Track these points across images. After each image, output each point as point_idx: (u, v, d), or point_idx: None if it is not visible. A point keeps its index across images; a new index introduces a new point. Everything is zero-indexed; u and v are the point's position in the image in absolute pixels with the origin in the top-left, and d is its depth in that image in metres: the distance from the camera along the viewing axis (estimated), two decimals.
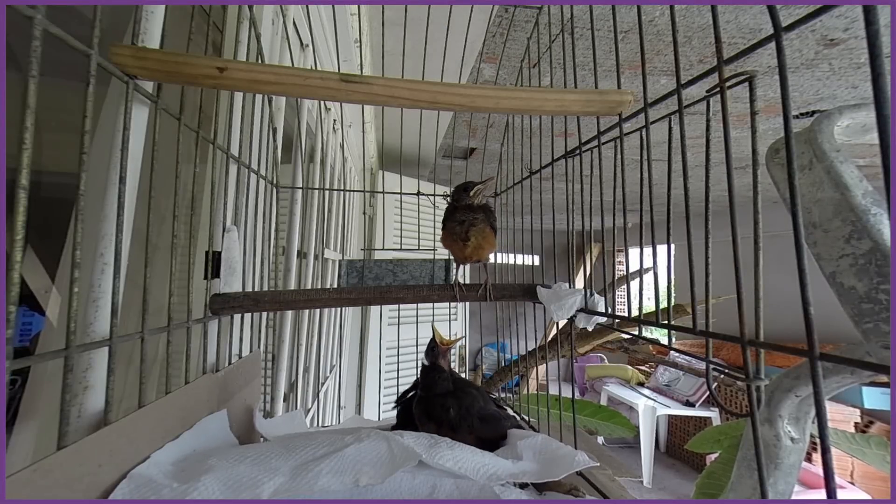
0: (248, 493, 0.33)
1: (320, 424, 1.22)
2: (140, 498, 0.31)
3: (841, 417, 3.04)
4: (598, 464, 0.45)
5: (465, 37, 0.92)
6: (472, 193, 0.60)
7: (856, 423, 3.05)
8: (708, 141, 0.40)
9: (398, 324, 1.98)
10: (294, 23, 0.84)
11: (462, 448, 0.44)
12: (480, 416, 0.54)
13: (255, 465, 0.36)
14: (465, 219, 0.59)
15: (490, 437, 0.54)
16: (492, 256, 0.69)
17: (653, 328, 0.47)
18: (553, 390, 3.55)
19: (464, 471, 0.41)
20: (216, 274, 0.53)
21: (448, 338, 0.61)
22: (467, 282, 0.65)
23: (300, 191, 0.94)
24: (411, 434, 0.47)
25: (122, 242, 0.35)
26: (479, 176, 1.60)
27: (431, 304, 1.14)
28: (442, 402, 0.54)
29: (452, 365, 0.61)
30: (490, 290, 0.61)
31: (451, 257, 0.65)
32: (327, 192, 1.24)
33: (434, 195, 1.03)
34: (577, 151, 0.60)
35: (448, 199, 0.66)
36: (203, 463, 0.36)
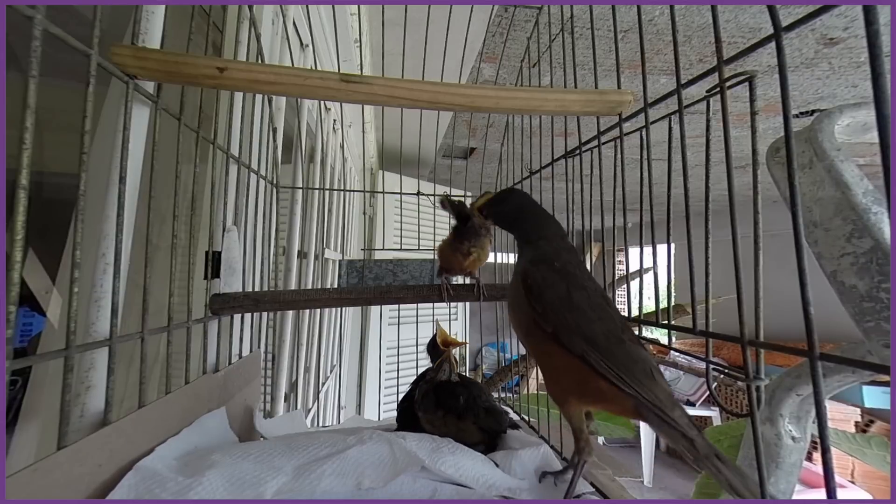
0: (252, 491, 0.33)
1: (321, 424, 1.22)
2: (146, 489, 0.31)
3: (841, 416, 3.04)
4: (593, 489, 0.46)
5: (465, 37, 0.92)
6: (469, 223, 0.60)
7: (856, 422, 3.05)
8: (708, 140, 0.40)
9: (398, 324, 1.98)
10: (294, 23, 0.84)
11: (464, 453, 0.44)
12: (486, 407, 0.55)
13: (258, 463, 0.36)
14: (468, 238, 0.60)
15: (493, 429, 0.54)
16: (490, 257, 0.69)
17: (653, 328, 0.47)
18: None
19: (465, 480, 0.41)
20: (216, 274, 0.53)
21: (451, 337, 0.62)
22: (467, 281, 0.65)
23: (300, 191, 0.94)
24: (413, 436, 0.47)
25: (123, 242, 0.35)
26: (480, 176, 1.59)
27: (431, 304, 1.14)
28: (452, 389, 0.54)
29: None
30: (483, 290, 0.61)
31: (437, 259, 0.65)
32: (327, 192, 1.24)
33: (434, 195, 1.03)
34: (577, 151, 0.60)
35: (452, 206, 0.66)
36: (206, 459, 0.36)
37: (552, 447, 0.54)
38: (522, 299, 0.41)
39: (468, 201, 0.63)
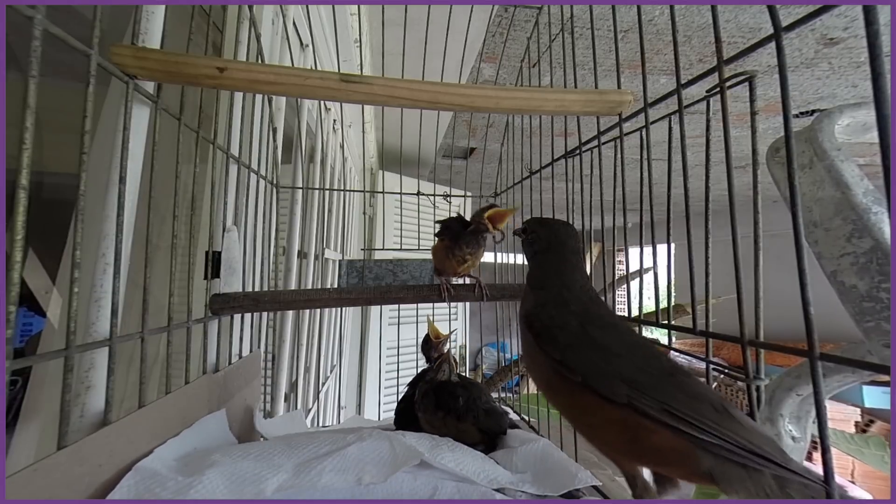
0: (252, 488, 0.33)
1: (321, 424, 1.22)
2: (146, 489, 0.31)
3: (841, 416, 3.04)
4: (600, 483, 0.46)
5: (465, 37, 0.92)
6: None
7: (856, 422, 3.05)
8: (708, 140, 0.40)
9: (398, 324, 1.98)
10: (294, 23, 0.84)
11: (463, 451, 0.45)
12: (486, 408, 0.55)
13: (258, 462, 0.36)
14: (468, 244, 0.61)
15: (493, 430, 0.54)
16: (486, 257, 0.70)
17: (653, 328, 0.47)
18: None
19: (465, 473, 0.41)
20: (216, 274, 0.53)
21: (443, 333, 0.62)
22: (467, 282, 0.65)
23: (300, 191, 0.94)
24: (413, 434, 0.47)
25: (123, 242, 0.35)
26: (480, 176, 1.58)
27: (431, 304, 1.14)
28: (451, 390, 0.54)
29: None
30: (485, 289, 0.62)
31: (433, 260, 0.66)
32: (327, 192, 1.24)
33: (434, 195, 1.03)
34: (577, 151, 0.60)
35: (449, 200, 0.66)
36: (206, 459, 0.36)
37: None
38: (534, 348, 0.34)
39: (468, 202, 0.64)
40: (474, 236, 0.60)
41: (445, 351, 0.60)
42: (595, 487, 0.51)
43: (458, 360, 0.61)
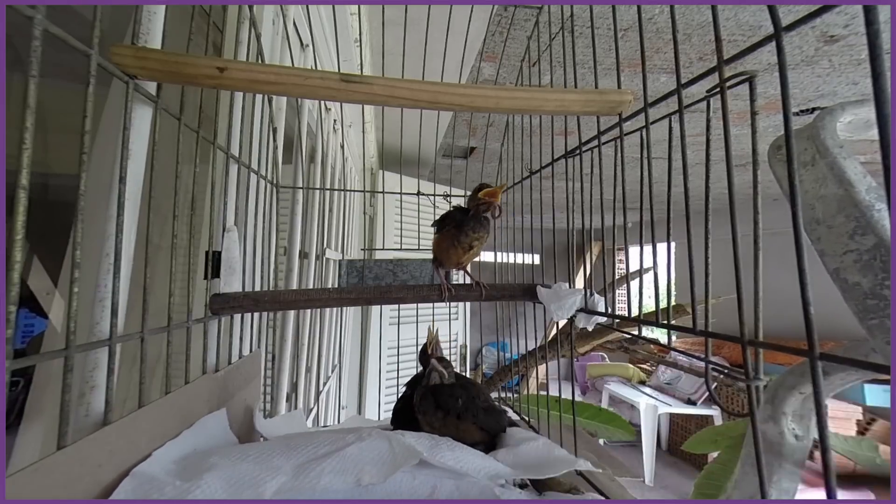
0: (251, 492, 0.33)
1: (321, 424, 1.22)
2: (144, 495, 0.31)
3: (843, 415, 3.02)
4: (600, 470, 0.45)
5: (464, 36, 0.92)
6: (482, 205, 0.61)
7: (857, 421, 3.04)
8: (708, 140, 0.40)
9: (398, 324, 1.98)
10: (294, 23, 0.84)
11: (463, 449, 0.45)
12: (485, 407, 0.54)
13: (257, 464, 0.36)
14: (474, 230, 0.61)
15: (493, 429, 0.54)
16: (486, 256, 0.70)
17: (653, 328, 0.47)
18: (553, 390, 3.55)
19: (466, 470, 0.41)
20: (216, 274, 0.53)
21: (433, 336, 0.62)
22: (467, 281, 0.65)
23: (301, 191, 0.94)
24: (412, 434, 0.47)
25: (123, 242, 0.35)
26: (480, 176, 1.58)
27: (431, 304, 1.14)
28: (450, 391, 0.54)
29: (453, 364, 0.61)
30: (485, 287, 0.62)
31: (435, 258, 0.65)
32: (328, 192, 1.24)
33: (434, 195, 1.03)
34: (578, 151, 0.60)
35: (449, 200, 0.66)
36: (204, 461, 0.36)
37: None
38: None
39: (464, 201, 0.64)
40: (478, 220, 0.61)
41: (437, 356, 0.60)
42: (595, 487, 0.51)
43: (449, 362, 0.61)
